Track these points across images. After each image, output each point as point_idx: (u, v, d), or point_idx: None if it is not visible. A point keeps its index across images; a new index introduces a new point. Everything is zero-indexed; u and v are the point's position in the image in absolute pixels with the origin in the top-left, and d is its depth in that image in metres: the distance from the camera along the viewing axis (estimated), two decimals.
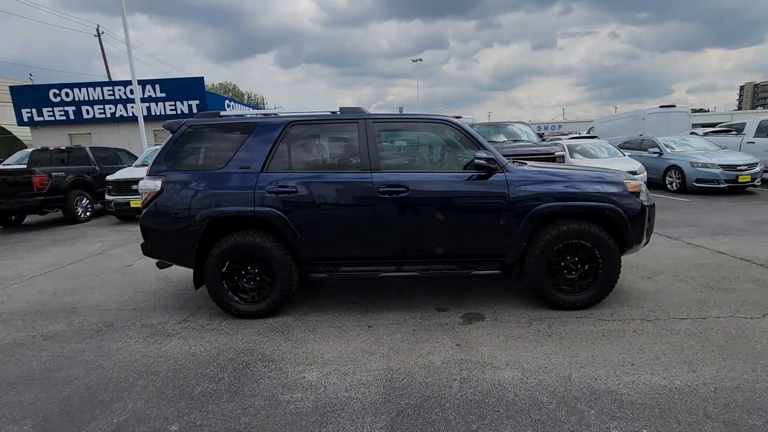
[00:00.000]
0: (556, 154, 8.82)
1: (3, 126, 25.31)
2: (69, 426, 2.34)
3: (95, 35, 32.07)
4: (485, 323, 3.48)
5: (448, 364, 2.86)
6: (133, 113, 19.12)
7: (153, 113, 19.31)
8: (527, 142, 9.80)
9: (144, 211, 3.72)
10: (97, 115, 19.39)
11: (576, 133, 19.38)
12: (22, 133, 23.32)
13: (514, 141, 10.02)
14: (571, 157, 11.18)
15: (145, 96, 19.14)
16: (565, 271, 3.66)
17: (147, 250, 3.83)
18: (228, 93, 65.42)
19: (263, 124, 3.78)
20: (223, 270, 3.69)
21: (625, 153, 12.12)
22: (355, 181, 3.61)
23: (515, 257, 3.64)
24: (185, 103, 19.23)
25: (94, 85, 19.50)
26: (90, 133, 19.86)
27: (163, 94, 19.17)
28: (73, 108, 19.49)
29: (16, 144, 24.43)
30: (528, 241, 3.59)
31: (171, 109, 19.26)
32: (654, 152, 11.50)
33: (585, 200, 3.54)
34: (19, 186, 9.12)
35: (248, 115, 3.98)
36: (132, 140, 18.57)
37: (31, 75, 31.56)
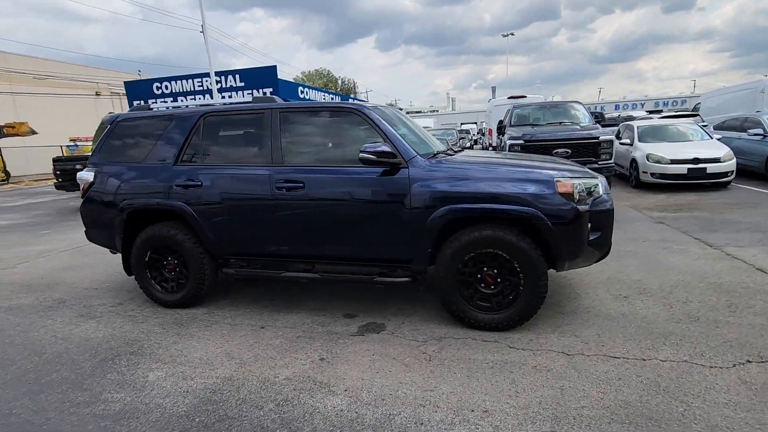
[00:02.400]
0: (602, 138, 7.56)
1: None
2: None
3: (200, 32, 35.66)
4: (377, 337, 3.12)
5: (290, 380, 2.61)
6: (221, 103, 20.99)
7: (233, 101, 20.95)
8: (571, 125, 8.55)
9: (82, 201, 4.01)
10: (189, 105, 21.62)
11: (660, 114, 16.51)
12: None
13: (560, 123, 8.81)
14: (641, 141, 9.55)
15: (227, 86, 20.83)
16: (482, 285, 3.10)
17: (88, 236, 4.13)
18: (322, 79, 68.46)
19: (179, 116, 3.78)
20: (146, 259, 3.83)
21: (717, 135, 9.98)
22: (255, 175, 3.44)
23: (422, 265, 3.18)
24: (260, 91, 20.46)
25: (187, 77, 21.72)
26: None
27: (242, 83, 20.63)
28: (171, 99, 21.97)
29: None
30: (434, 247, 3.10)
31: (248, 97, 20.68)
32: (756, 134, 9.24)
33: (496, 202, 2.92)
34: None
35: (172, 108, 4.00)
36: None
37: (140, 71, 36.29)
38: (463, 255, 3.02)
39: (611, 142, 7.66)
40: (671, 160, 8.49)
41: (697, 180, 8.37)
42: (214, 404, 2.40)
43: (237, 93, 20.88)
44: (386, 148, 3.04)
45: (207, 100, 20.27)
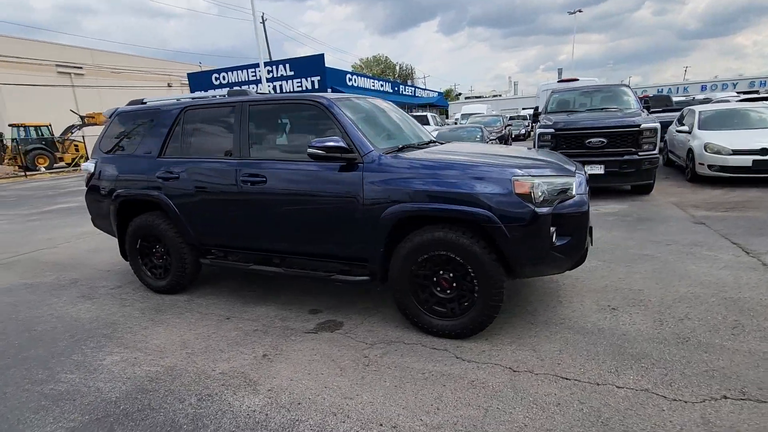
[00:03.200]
0: (643, 126, 6.78)
1: None
2: None
3: (261, 22, 36.98)
4: (329, 336, 3.06)
5: (224, 375, 2.63)
6: (272, 91, 21.72)
7: (283, 90, 21.57)
8: (615, 111, 7.75)
9: (86, 191, 4.31)
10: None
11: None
12: None
13: (602, 110, 8.04)
14: (701, 129, 8.47)
15: (278, 75, 21.46)
16: (438, 289, 2.91)
17: (94, 223, 4.45)
18: (380, 66, 68.41)
19: (164, 110, 3.91)
20: (137, 246, 4.06)
21: None
22: (223, 168, 3.48)
23: (377, 264, 3.05)
24: (308, 79, 20.87)
25: (241, 68, 22.64)
26: None
27: (291, 73, 21.15)
28: (227, 89, 23.08)
29: None
30: (387, 247, 2.95)
31: (297, 86, 21.18)
32: None
33: (447, 202, 2.70)
34: None
35: (164, 102, 4.13)
36: None
37: (200, 63, 38.34)
38: (416, 257, 2.85)
39: (655, 130, 6.85)
40: (733, 150, 7.43)
41: (764, 174, 7.27)
42: (145, 393, 2.49)
43: (287, 82, 21.45)
44: (336, 143, 2.91)
45: (257, 89, 21.05)
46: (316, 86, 20.75)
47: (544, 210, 2.59)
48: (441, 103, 37.13)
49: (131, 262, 4.13)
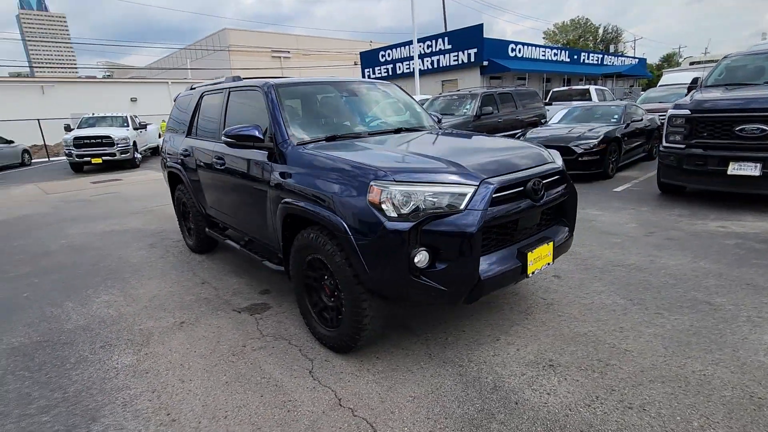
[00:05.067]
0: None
1: None
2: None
3: None
4: (244, 317, 3.16)
5: (140, 331, 3.05)
6: (429, 66, 21.89)
7: (441, 65, 21.40)
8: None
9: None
10: (405, 71, 23.25)
11: None
12: None
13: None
14: None
15: (436, 49, 21.31)
16: (324, 296, 2.68)
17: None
18: (577, 30, 60.56)
19: (194, 95, 4.47)
20: (180, 209, 4.89)
21: None
22: (208, 150, 3.84)
23: (283, 258, 2.97)
24: (465, 52, 20.11)
25: (398, 45, 23.24)
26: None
27: (449, 46, 20.71)
28: (391, 66, 24.16)
29: None
30: (285, 242, 2.85)
31: (453, 60, 20.70)
32: None
33: (314, 203, 2.43)
34: None
35: (199, 88, 4.70)
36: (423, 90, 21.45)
37: (371, 41, 40.12)
38: (302, 257, 2.67)
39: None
40: None
41: None
42: (85, 330, 3.10)
43: (443, 56, 21.20)
44: (245, 131, 2.87)
45: (411, 66, 21.40)
46: (472, 59, 19.88)
47: (400, 225, 2.08)
48: (639, 73, 30.86)
49: (178, 221, 5.02)
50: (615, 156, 7.71)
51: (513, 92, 10.77)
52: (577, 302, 3.07)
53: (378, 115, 3.59)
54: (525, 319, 2.88)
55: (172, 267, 4.35)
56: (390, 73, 24.02)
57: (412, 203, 2.11)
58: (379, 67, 24.85)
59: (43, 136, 18.92)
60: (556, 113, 9.60)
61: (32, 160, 17.46)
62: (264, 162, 2.97)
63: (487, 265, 2.25)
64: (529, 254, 2.39)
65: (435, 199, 2.12)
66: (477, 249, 2.14)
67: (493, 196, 2.20)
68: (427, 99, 10.78)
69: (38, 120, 18.55)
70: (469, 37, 19.82)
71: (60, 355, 2.78)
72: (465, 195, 2.14)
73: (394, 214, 2.10)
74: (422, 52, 21.91)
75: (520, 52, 21.73)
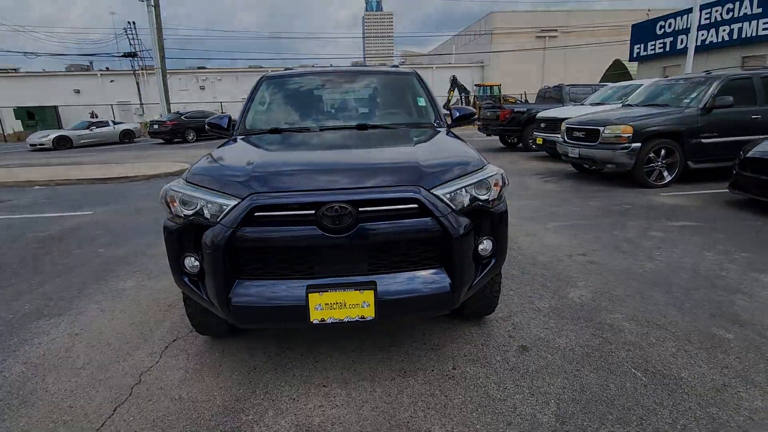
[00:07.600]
0: None
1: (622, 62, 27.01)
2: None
3: None
4: None
5: (123, 289, 3.79)
6: (724, 37, 16.29)
7: (743, 35, 15.47)
8: None
9: None
10: (686, 44, 17.87)
11: None
12: (632, 67, 24.65)
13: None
14: None
15: (740, 14, 15.39)
16: None
17: None
18: None
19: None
20: None
21: None
22: None
23: None
24: None
25: (684, 13, 17.76)
26: (679, 65, 18.80)
27: (759, 9, 14.56)
28: (670, 39, 18.96)
29: (624, 78, 25.06)
30: None
31: (763, 27, 14.52)
32: None
33: None
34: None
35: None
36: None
37: (648, 10, 30.35)
38: None
39: None
40: None
41: None
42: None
43: (749, 23, 15.39)
44: (215, 120, 3.14)
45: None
46: None
47: (173, 225, 2.11)
48: None
49: None
50: None
51: None
52: None
53: (351, 109, 3.19)
54: None
55: None
56: (667, 49, 19.02)
57: (193, 207, 2.02)
58: (653, 42, 19.98)
59: None
60: None
61: None
62: None
63: (244, 290, 1.92)
64: (312, 296, 1.84)
65: (207, 208, 1.99)
66: (219, 265, 1.89)
67: (256, 214, 1.88)
68: (629, 86, 8.11)
69: None
70: None
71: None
72: (225, 207, 1.94)
73: (180, 215, 2.06)
74: (715, 19, 16.30)
75: None
